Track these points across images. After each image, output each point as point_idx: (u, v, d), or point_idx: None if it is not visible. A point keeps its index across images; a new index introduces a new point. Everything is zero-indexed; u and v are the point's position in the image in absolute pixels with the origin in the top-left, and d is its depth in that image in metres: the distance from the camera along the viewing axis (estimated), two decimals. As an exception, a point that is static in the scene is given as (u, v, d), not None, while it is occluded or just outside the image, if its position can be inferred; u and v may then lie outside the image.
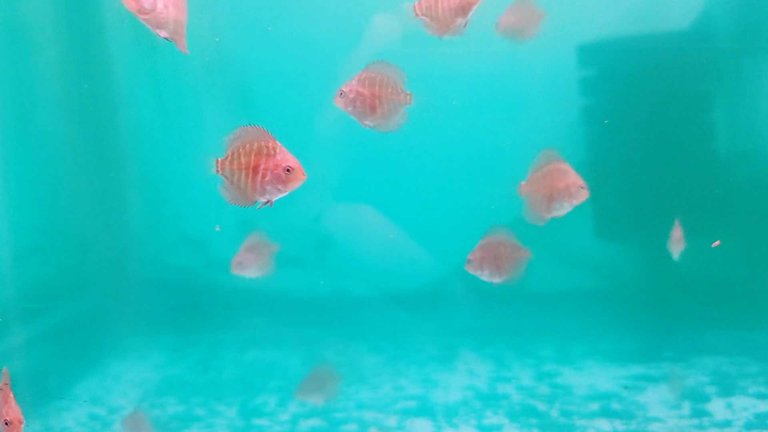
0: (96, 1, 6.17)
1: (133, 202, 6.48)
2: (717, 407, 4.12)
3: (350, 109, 2.64)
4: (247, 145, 2.39)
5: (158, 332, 6.02)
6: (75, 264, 6.19)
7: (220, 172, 2.41)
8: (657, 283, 5.43)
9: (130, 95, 6.37)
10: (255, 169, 2.39)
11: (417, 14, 2.62)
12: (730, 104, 5.45)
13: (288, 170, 2.35)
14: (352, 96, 2.63)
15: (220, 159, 2.43)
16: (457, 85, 6.10)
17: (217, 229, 6.31)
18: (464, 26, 2.59)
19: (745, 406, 4.11)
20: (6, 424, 2.63)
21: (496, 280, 3.06)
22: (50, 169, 6.01)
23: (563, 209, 3.18)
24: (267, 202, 2.47)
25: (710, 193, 5.25)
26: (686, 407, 4.14)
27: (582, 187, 3.06)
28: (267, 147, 2.37)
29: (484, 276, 3.04)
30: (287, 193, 2.40)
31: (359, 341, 5.72)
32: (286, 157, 2.37)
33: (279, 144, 2.38)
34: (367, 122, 2.68)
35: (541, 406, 4.28)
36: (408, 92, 2.68)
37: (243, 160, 2.41)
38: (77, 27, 6.09)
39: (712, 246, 4.52)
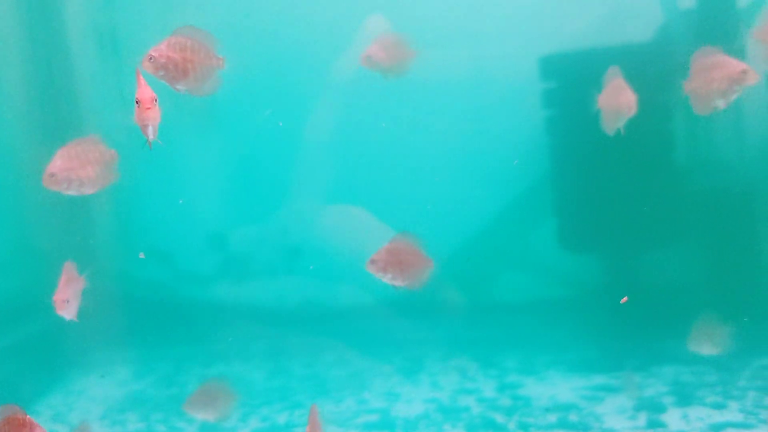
0: (60, 16, 6.14)
1: (99, 217, 6.45)
2: (673, 418, 4.15)
3: (161, 73, 2.59)
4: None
5: (124, 347, 5.98)
6: (40, 279, 6.14)
7: None
8: (620, 293, 5.46)
9: (95, 109, 6.34)
10: None
11: None
12: (688, 115, 5.51)
13: (137, 102, 2.39)
14: (163, 60, 2.57)
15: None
16: (434, 88, 6.14)
17: (141, 256, 6.30)
18: None
19: (700, 417, 4.14)
20: None
21: (398, 284, 3.09)
22: (14, 184, 5.97)
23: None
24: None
25: (671, 202, 5.31)
26: (642, 418, 4.17)
27: (745, 71, 3.19)
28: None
29: (386, 279, 3.07)
30: (147, 126, 2.45)
31: (326, 353, 5.71)
32: (139, 90, 2.43)
33: (141, 80, 2.43)
34: (179, 87, 2.64)
35: (500, 419, 4.29)
36: (220, 56, 2.66)
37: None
38: (41, 42, 6.07)
39: (621, 302, 4.63)
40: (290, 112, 6.28)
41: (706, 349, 3.98)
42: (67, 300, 3.31)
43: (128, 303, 6.23)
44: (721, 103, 3.35)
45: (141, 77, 2.49)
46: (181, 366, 5.70)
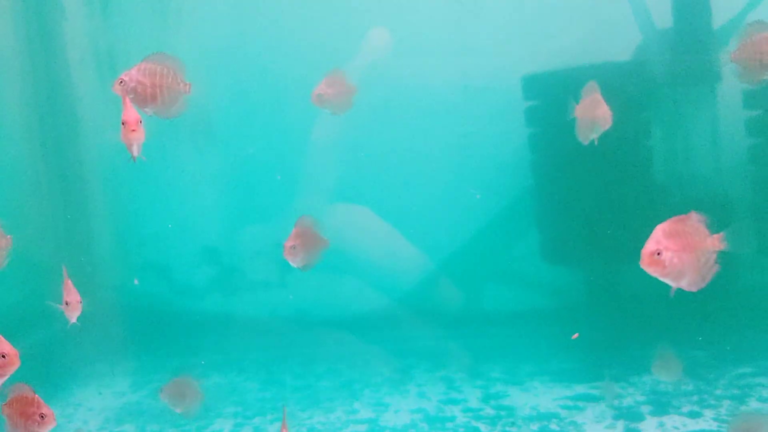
0: (60, 39, 6.32)
1: (98, 231, 6.61)
2: (649, 426, 4.31)
3: (131, 96, 2.73)
4: None
5: (122, 358, 6.14)
6: (40, 292, 6.30)
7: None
8: (601, 304, 5.64)
9: (93, 127, 6.51)
10: None
11: None
12: (666, 131, 5.70)
13: (123, 123, 2.57)
14: (132, 84, 2.72)
15: None
16: (421, 105, 6.32)
17: (136, 282, 6.47)
18: None
19: (675, 426, 4.30)
20: None
21: (303, 265, 3.41)
22: (15, 199, 6.14)
23: None
24: None
25: (649, 215, 5.47)
26: (620, 426, 4.33)
27: None
28: None
29: (296, 262, 3.36)
30: (132, 145, 2.62)
31: (317, 364, 5.87)
32: (125, 111, 2.58)
33: (127, 102, 2.58)
34: (147, 110, 2.78)
35: (484, 428, 4.45)
36: (187, 82, 2.79)
37: None
38: (41, 62, 6.25)
39: (572, 338, 4.84)
40: (286, 128, 6.46)
41: (665, 377, 4.29)
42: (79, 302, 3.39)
43: (126, 315, 6.38)
44: None
45: (127, 99, 2.67)
46: (177, 377, 5.84)
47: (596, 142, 3.94)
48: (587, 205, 5.46)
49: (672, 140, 5.67)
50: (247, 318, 6.57)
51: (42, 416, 2.82)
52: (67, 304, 3.26)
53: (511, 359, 5.59)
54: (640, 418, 4.44)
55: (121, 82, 2.75)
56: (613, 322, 5.52)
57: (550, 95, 5.61)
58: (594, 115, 3.81)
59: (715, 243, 2.17)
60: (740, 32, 3.21)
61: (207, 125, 6.49)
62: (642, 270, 5.95)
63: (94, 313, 6.75)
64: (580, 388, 4.97)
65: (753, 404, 4.54)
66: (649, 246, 2.16)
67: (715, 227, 2.18)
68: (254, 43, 6.37)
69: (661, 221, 5.88)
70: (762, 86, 5.41)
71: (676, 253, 2.12)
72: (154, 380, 5.83)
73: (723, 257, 5.77)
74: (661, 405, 4.60)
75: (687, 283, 2.17)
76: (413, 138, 6.27)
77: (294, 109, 6.38)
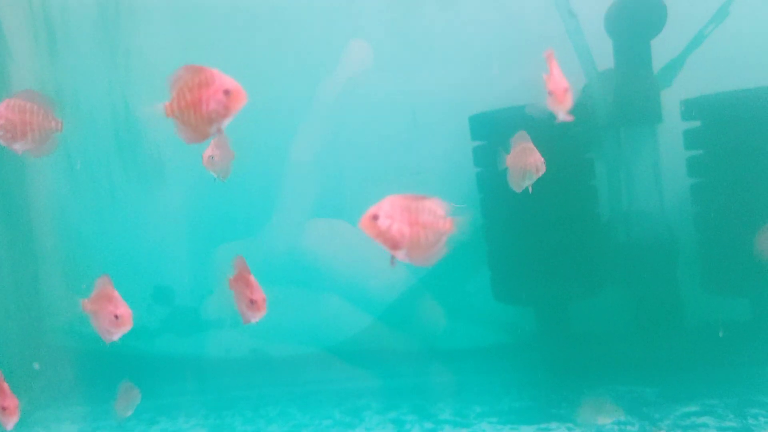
0: (6, 76, 6.24)
1: (45, 272, 6.49)
2: (592, 470, 4.33)
3: (0, 133, 2.68)
4: (189, 81, 2.39)
5: (70, 403, 6.00)
6: (-16, 337, 6.15)
7: (170, 115, 2.39)
8: (552, 342, 5.68)
9: (41, 166, 6.42)
10: (198, 102, 2.37)
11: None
12: (610, 170, 5.80)
13: (226, 92, 2.34)
14: (1, 122, 2.68)
15: (167, 103, 2.39)
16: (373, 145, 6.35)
17: (36, 366, 6.35)
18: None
19: (617, 468, 4.33)
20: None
21: None
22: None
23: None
24: (218, 130, 2.40)
25: (596, 254, 5.55)
26: (563, 472, 4.35)
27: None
28: (206, 77, 2.38)
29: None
30: (233, 114, 2.37)
31: (269, 407, 5.79)
32: (222, 80, 2.37)
33: (215, 70, 2.38)
34: (16, 147, 2.73)
35: (429, 475, 4.43)
36: (59, 119, 2.76)
37: (188, 96, 2.39)
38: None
39: None
40: (241, 163, 6.42)
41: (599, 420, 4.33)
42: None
43: (75, 359, 6.25)
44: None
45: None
46: (125, 423, 5.72)
47: (530, 190, 3.97)
48: (536, 243, 5.50)
49: (616, 179, 5.77)
50: (200, 359, 6.47)
51: (3, 408, 2.96)
52: (252, 302, 3.00)
53: (463, 399, 5.58)
54: (583, 461, 4.46)
55: None
56: (563, 361, 5.56)
57: (497, 135, 5.66)
58: (525, 163, 3.83)
59: (446, 225, 2.29)
60: None
61: (158, 162, 6.44)
62: (591, 308, 6.01)
63: (41, 357, 6.61)
64: (528, 430, 4.97)
65: (696, 443, 4.59)
66: (371, 210, 2.25)
67: (454, 214, 2.30)
68: (267, 34, 6.28)
69: (606, 258, 5.94)
70: (702, 127, 5.54)
71: (397, 223, 2.23)
72: (102, 426, 5.70)
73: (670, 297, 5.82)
74: (606, 446, 4.63)
75: (403, 255, 2.31)
76: (362, 187, 6.28)
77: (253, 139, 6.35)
